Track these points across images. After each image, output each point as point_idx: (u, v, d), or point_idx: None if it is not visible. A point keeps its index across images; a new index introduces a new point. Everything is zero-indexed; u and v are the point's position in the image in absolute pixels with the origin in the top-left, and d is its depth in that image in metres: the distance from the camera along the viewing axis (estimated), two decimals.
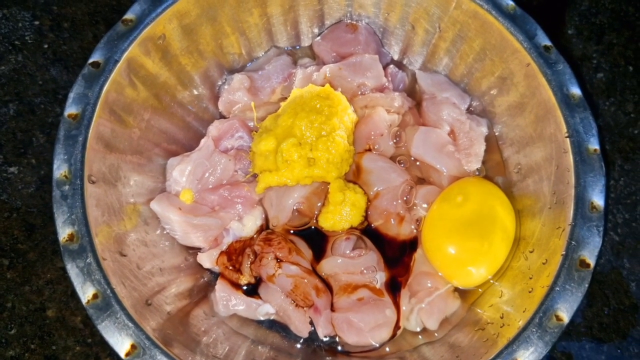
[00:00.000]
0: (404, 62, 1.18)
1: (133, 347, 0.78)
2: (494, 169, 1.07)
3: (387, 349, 0.95)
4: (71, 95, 0.89)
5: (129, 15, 0.95)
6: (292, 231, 1.01)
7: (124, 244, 0.89)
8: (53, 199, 0.83)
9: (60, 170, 0.85)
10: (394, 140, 1.05)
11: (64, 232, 0.82)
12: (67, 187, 0.84)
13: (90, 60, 0.91)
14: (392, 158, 1.05)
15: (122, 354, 0.78)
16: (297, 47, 1.19)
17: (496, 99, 1.06)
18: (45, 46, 1.22)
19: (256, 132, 1.04)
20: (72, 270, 0.80)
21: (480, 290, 0.97)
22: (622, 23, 1.27)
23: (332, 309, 0.94)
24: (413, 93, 1.13)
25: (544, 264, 0.87)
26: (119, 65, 0.92)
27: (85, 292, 0.79)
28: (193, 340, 0.87)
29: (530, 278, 0.88)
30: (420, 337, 0.96)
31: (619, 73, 1.23)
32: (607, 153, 1.16)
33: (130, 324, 0.79)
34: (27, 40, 1.21)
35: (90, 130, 0.87)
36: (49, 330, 1.02)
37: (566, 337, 1.04)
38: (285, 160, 0.95)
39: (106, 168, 0.90)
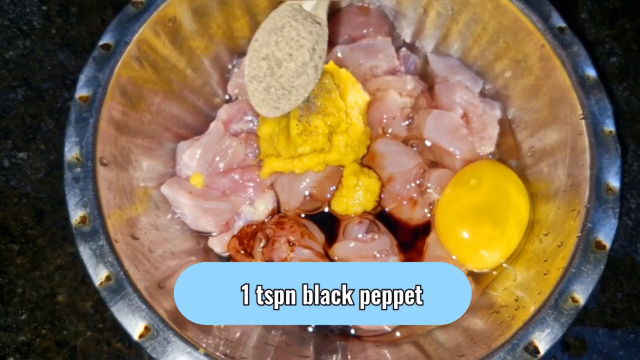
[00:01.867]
0: (416, 45, 1.17)
1: (147, 328, 0.77)
2: (507, 153, 1.06)
3: (400, 333, 0.95)
4: (82, 77, 0.88)
5: None
6: (303, 215, 1.00)
7: (136, 227, 0.89)
8: (65, 182, 0.82)
9: (71, 152, 0.84)
10: (407, 122, 1.04)
11: (76, 215, 0.81)
12: (78, 170, 0.83)
13: (101, 43, 0.90)
14: (405, 141, 1.04)
15: (135, 336, 0.77)
16: None
17: (510, 82, 1.05)
18: (53, 31, 1.21)
19: None
20: (85, 253, 0.79)
21: (494, 273, 0.97)
22: (635, 8, 1.25)
23: None
24: (425, 76, 1.12)
25: (559, 246, 0.86)
26: (129, 47, 0.91)
27: (98, 274, 0.79)
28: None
29: (545, 261, 0.87)
30: None
31: (631, 58, 1.22)
32: (621, 138, 1.14)
33: (143, 306, 0.78)
34: (35, 26, 1.21)
35: (102, 113, 0.87)
36: (59, 315, 1.02)
37: (579, 323, 1.04)
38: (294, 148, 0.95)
39: (117, 151, 0.89)
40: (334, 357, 0.90)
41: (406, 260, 0.96)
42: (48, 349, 1.00)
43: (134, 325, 0.77)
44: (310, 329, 0.96)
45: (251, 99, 0.88)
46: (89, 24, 1.21)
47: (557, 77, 0.94)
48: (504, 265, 0.96)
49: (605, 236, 0.82)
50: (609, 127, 0.89)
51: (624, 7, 1.25)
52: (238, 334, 0.89)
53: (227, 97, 1.12)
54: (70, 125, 0.85)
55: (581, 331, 1.03)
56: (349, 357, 0.91)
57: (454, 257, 0.96)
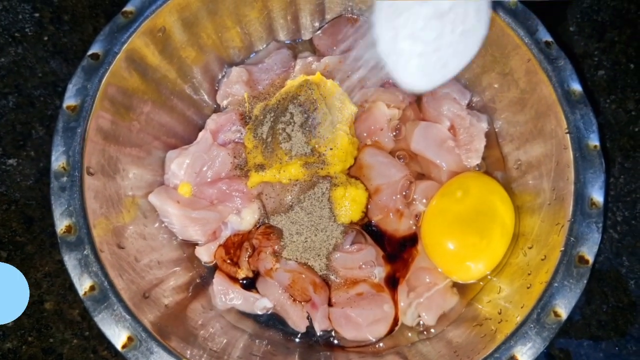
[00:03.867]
0: None
1: (130, 339, 0.78)
2: (493, 165, 1.07)
3: (383, 344, 0.95)
4: (70, 87, 0.88)
5: (129, 8, 0.94)
6: None
7: (122, 236, 0.89)
8: (51, 191, 0.83)
9: (58, 161, 0.84)
10: (394, 134, 1.05)
11: (61, 224, 0.82)
12: (65, 179, 0.84)
13: (90, 52, 0.91)
14: (392, 152, 1.05)
15: (118, 346, 0.78)
16: (298, 41, 1.19)
17: (497, 94, 1.06)
18: (45, 38, 1.21)
19: (250, 124, 1.03)
20: (70, 262, 0.80)
21: (481, 283, 0.97)
22: (624, 21, 1.26)
23: (330, 304, 0.94)
24: None
25: (542, 260, 0.87)
26: (118, 57, 0.92)
27: (83, 284, 0.79)
28: (190, 334, 0.87)
29: (529, 274, 0.88)
30: (417, 332, 0.96)
31: (620, 71, 1.22)
32: (608, 151, 1.15)
33: (127, 316, 0.79)
34: (27, 33, 1.21)
35: (89, 122, 0.87)
36: (46, 322, 1.02)
37: (564, 335, 1.04)
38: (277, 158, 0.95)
39: (105, 160, 0.90)
40: None
41: (392, 271, 0.96)
42: (34, 356, 1.00)
43: (117, 336, 0.78)
44: (296, 339, 0.96)
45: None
46: (81, 32, 1.22)
47: (542, 91, 0.94)
48: (488, 277, 0.96)
49: (589, 251, 0.83)
50: (594, 141, 0.89)
51: (613, 20, 1.26)
52: (223, 344, 0.89)
53: (215, 106, 1.13)
54: (58, 134, 0.86)
55: (566, 343, 1.04)
56: None
57: (439, 269, 0.97)
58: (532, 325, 0.80)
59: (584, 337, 1.04)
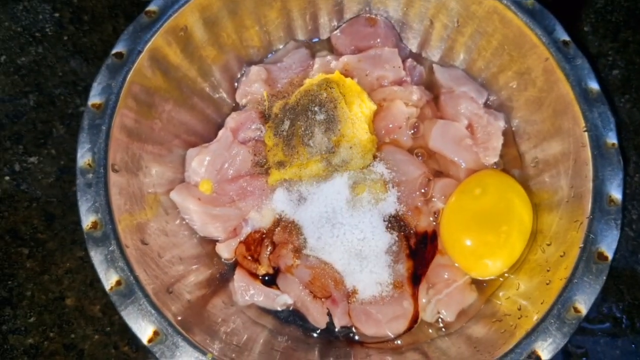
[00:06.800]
0: (422, 55, 1.19)
1: (155, 333, 0.79)
2: (511, 163, 1.07)
3: (401, 341, 0.96)
4: (95, 85, 0.90)
5: (152, 7, 0.96)
6: None
7: (146, 232, 0.90)
8: (77, 187, 0.84)
9: (84, 158, 0.86)
10: (412, 131, 1.06)
11: (87, 220, 0.83)
12: (90, 176, 0.85)
13: (114, 51, 0.92)
14: (410, 150, 1.06)
15: (144, 340, 0.79)
16: (316, 40, 1.20)
17: (514, 93, 1.06)
18: (65, 38, 1.23)
19: (270, 122, 1.04)
20: (96, 258, 0.81)
21: (500, 279, 0.98)
22: (638, 21, 1.27)
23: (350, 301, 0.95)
24: (431, 86, 1.14)
25: (561, 256, 0.87)
26: (142, 56, 0.93)
27: (109, 279, 0.80)
28: (212, 329, 0.88)
29: (548, 270, 0.89)
30: (437, 329, 0.97)
31: (634, 70, 1.23)
32: (623, 149, 1.15)
33: (152, 311, 0.80)
34: (47, 32, 1.23)
35: (114, 120, 0.88)
36: (67, 319, 1.04)
37: (581, 332, 1.05)
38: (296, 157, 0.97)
39: (128, 157, 0.91)
40: None
41: (414, 268, 0.97)
42: (56, 352, 1.02)
43: (143, 330, 0.79)
44: (315, 335, 0.97)
45: None
46: (101, 32, 1.23)
47: (560, 89, 0.95)
48: (506, 275, 0.97)
49: (608, 247, 0.84)
50: (612, 139, 0.90)
51: (627, 20, 1.27)
52: (244, 339, 0.90)
53: (234, 105, 1.14)
54: (83, 131, 0.87)
55: (582, 340, 1.04)
56: None
57: (457, 265, 0.98)
58: (552, 321, 0.80)
59: (601, 335, 1.05)
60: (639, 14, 1.28)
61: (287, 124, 0.98)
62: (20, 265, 1.06)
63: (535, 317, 0.82)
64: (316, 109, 0.96)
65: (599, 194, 0.87)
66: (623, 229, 1.09)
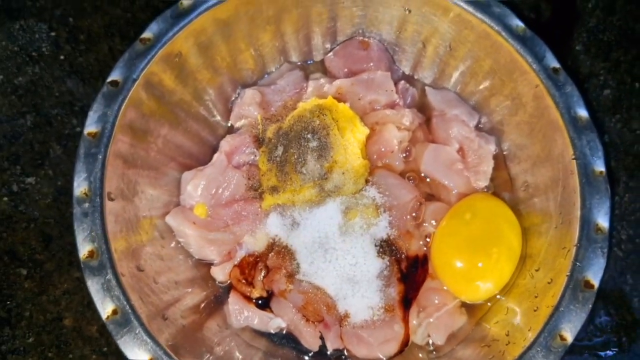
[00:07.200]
0: (415, 76, 1.20)
1: None
2: (501, 186, 1.09)
3: None
4: (91, 113, 0.91)
5: (147, 34, 0.97)
6: None
7: (141, 258, 0.92)
8: (74, 217, 0.85)
9: (80, 187, 0.87)
10: (404, 155, 1.08)
11: (84, 249, 0.84)
12: (87, 205, 0.86)
13: (109, 79, 0.93)
14: (402, 174, 1.07)
15: None
16: (310, 62, 1.21)
17: (505, 117, 1.08)
18: (62, 58, 1.24)
19: (263, 147, 1.06)
20: (93, 287, 0.83)
21: (489, 304, 1.00)
22: (630, 41, 1.28)
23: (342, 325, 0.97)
24: (423, 108, 1.15)
25: (549, 283, 0.89)
26: (137, 83, 0.94)
27: (105, 308, 0.82)
28: (207, 352, 0.90)
29: (536, 297, 0.90)
30: (427, 352, 0.98)
31: (625, 90, 1.24)
32: (612, 170, 1.17)
33: (148, 340, 0.81)
34: (44, 52, 1.24)
35: (110, 148, 0.90)
36: (65, 339, 1.05)
37: (568, 352, 1.06)
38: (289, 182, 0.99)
39: (124, 184, 0.92)
40: None
41: (405, 291, 0.99)
42: None
43: (139, 357, 0.81)
44: (307, 358, 0.99)
45: None
46: (97, 52, 1.24)
47: (550, 116, 0.97)
48: (497, 297, 0.99)
49: (594, 276, 0.85)
50: (600, 167, 0.92)
51: (619, 39, 1.28)
52: None
53: (228, 126, 1.15)
54: (80, 160, 0.88)
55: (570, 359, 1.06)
56: None
57: (448, 289, 0.99)
58: (538, 349, 0.82)
59: (588, 354, 1.07)
60: (630, 34, 1.29)
61: (280, 149, 1.00)
62: (18, 286, 1.08)
63: (523, 345, 0.84)
64: (309, 136, 0.98)
65: (586, 222, 0.89)
66: (612, 249, 1.12)
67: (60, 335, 1.05)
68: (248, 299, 0.99)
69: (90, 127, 0.91)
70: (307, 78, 1.16)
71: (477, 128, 1.12)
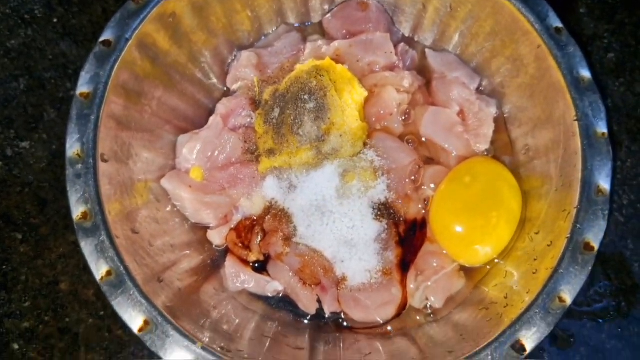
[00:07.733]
0: (415, 39, 1.18)
1: (146, 322, 0.80)
2: (501, 149, 1.07)
3: (391, 326, 0.97)
4: (83, 74, 0.89)
5: None
6: None
7: (136, 221, 0.91)
8: (67, 178, 0.84)
9: (73, 149, 0.86)
10: (403, 117, 1.06)
11: (77, 210, 0.83)
12: (80, 166, 0.85)
13: (102, 39, 0.91)
14: (401, 137, 1.06)
15: (135, 330, 0.80)
16: (307, 24, 1.19)
17: (506, 79, 1.06)
18: (55, 20, 1.21)
19: (260, 109, 1.04)
20: (86, 248, 0.82)
21: (488, 267, 0.99)
22: (634, 3, 1.25)
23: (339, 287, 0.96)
24: (423, 70, 1.13)
25: (548, 246, 0.88)
26: (130, 43, 0.92)
27: (99, 269, 0.81)
28: (204, 316, 0.89)
29: (535, 259, 0.89)
30: (425, 315, 0.98)
31: (629, 53, 1.22)
32: (615, 134, 1.16)
33: (143, 301, 0.81)
34: (36, 14, 1.21)
35: (102, 109, 0.88)
36: (62, 303, 1.05)
37: (567, 316, 1.06)
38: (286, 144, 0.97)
39: (118, 146, 0.91)
40: (327, 348, 0.93)
41: (403, 255, 0.98)
42: (51, 335, 1.03)
43: (134, 319, 0.80)
44: (305, 321, 0.98)
45: None
46: (90, 13, 1.22)
47: (552, 77, 0.95)
48: (495, 261, 0.98)
49: (594, 238, 0.84)
50: (602, 129, 0.90)
51: (623, 2, 1.25)
52: (235, 325, 0.92)
53: (225, 89, 1.13)
54: (72, 122, 0.87)
55: (569, 324, 1.06)
56: (342, 348, 0.94)
57: (446, 252, 0.99)
58: (537, 311, 0.82)
59: (587, 319, 1.06)
60: None
61: (277, 111, 0.98)
62: (14, 250, 1.07)
63: (521, 307, 0.83)
64: (306, 97, 0.96)
65: (587, 184, 0.87)
66: (613, 214, 1.11)
67: (56, 299, 1.05)
68: (245, 262, 0.99)
69: (82, 87, 0.89)
70: (304, 40, 1.14)
71: (478, 91, 1.10)
